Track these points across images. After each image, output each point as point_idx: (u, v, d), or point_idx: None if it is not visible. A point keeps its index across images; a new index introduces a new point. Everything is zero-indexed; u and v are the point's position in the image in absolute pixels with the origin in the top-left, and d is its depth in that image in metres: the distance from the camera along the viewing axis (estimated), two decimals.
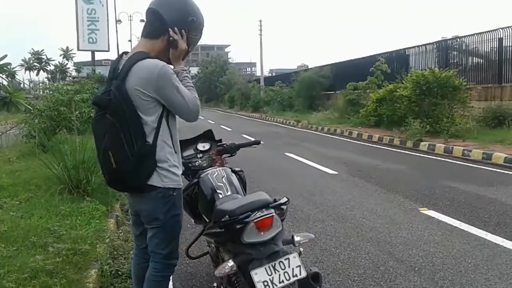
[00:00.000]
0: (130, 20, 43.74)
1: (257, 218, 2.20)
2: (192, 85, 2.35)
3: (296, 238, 2.36)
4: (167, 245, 2.37)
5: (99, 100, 2.27)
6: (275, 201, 2.36)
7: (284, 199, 2.38)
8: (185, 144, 3.21)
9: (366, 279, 3.64)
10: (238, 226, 2.21)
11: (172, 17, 2.28)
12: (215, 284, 2.61)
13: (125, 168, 2.18)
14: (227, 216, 2.26)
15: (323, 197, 6.43)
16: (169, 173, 2.27)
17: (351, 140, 14.73)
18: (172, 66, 2.33)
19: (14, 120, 10.42)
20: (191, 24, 2.33)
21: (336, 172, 8.40)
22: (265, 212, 2.24)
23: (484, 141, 11.04)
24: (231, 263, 2.20)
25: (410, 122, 12.67)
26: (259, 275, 2.12)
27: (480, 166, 9.01)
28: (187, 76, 2.37)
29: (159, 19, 2.28)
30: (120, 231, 4.64)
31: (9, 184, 5.76)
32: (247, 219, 2.20)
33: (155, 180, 2.24)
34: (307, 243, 2.31)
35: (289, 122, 22.71)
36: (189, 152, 3.22)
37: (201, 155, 3.22)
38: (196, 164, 3.12)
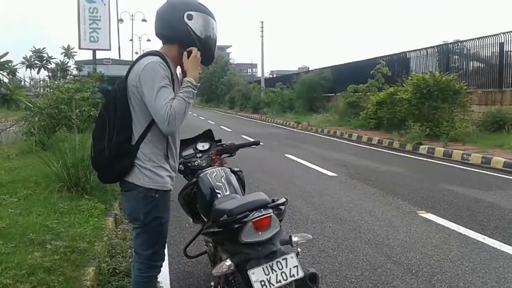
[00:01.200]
0: (132, 19, 43.83)
1: (255, 218, 2.20)
2: (186, 97, 2.19)
3: (294, 239, 2.37)
4: (150, 247, 2.37)
5: (101, 89, 2.32)
6: (273, 201, 2.36)
7: (283, 200, 2.38)
8: (185, 143, 3.22)
9: (364, 281, 3.64)
10: (236, 226, 2.21)
11: (166, 28, 2.31)
12: (212, 284, 2.61)
13: (100, 159, 2.27)
14: (225, 215, 2.26)
15: (322, 198, 6.44)
16: (152, 173, 2.26)
17: (351, 143, 14.74)
18: (179, 70, 2.34)
19: (14, 117, 10.43)
20: (193, 20, 2.31)
21: (335, 174, 8.40)
22: (263, 212, 2.24)
23: (483, 145, 11.05)
24: (228, 262, 2.20)
25: (410, 126, 12.69)
26: (256, 274, 2.12)
27: (479, 170, 9.02)
28: (189, 87, 2.23)
29: (159, 34, 2.33)
30: (118, 229, 4.64)
31: (8, 181, 5.76)
32: (245, 219, 2.20)
33: (135, 178, 2.25)
34: (305, 244, 2.31)
35: (289, 124, 22.72)
36: (189, 151, 3.22)
37: (200, 154, 3.23)
38: (195, 164, 3.12)
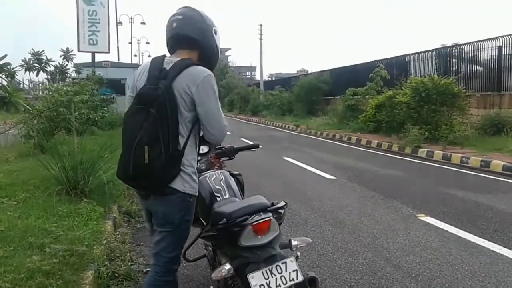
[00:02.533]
0: (131, 22, 43.91)
1: (254, 221, 2.19)
2: None
3: (293, 242, 2.36)
4: (174, 250, 2.36)
5: (146, 92, 2.24)
6: (272, 204, 2.36)
7: (282, 203, 2.37)
8: None
9: (363, 285, 3.63)
10: (235, 229, 2.20)
11: (198, 34, 2.36)
12: (211, 287, 2.60)
13: (156, 165, 2.16)
14: (224, 219, 2.25)
15: (321, 202, 6.43)
16: (191, 179, 2.28)
17: (350, 146, 14.75)
18: None
19: (13, 120, 10.41)
20: (216, 36, 2.44)
21: (335, 177, 8.40)
22: (263, 216, 2.24)
23: (482, 148, 11.06)
24: (228, 266, 2.18)
25: (409, 129, 12.69)
26: (256, 278, 2.11)
27: (478, 174, 9.02)
28: None
29: (187, 35, 2.36)
30: (117, 233, 4.63)
31: (7, 184, 5.75)
32: (244, 223, 2.20)
33: (177, 184, 2.24)
34: (304, 248, 2.31)
35: (288, 127, 22.73)
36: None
37: (199, 158, 3.22)
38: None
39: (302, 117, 24.16)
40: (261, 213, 2.25)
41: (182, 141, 2.25)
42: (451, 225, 5.27)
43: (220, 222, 2.25)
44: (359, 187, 7.55)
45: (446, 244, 4.61)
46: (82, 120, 10.58)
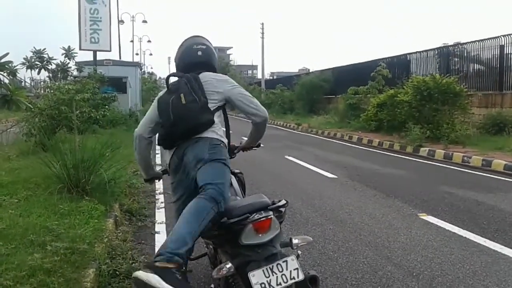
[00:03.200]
0: (133, 20, 43.90)
1: (255, 220, 2.19)
2: None
3: (294, 241, 2.36)
4: (219, 177, 2.44)
5: (173, 84, 2.70)
6: (273, 203, 2.36)
7: (283, 202, 2.38)
8: None
9: (364, 284, 3.63)
10: (236, 228, 2.20)
11: (215, 64, 3.04)
12: (212, 286, 2.60)
13: (192, 106, 2.54)
14: (225, 217, 2.25)
15: (322, 200, 6.43)
16: (220, 136, 2.65)
17: (351, 145, 14.74)
18: None
19: (14, 118, 10.43)
20: None
21: (336, 176, 8.40)
22: (264, 214, 2.23)
23: (484, 148, 11.05)
24: (229, 265, 2.18)
25: (411, 128, 12.68)
26: (256, 277, 2.11)
27: (479, 173, 9.02)
28: None
29: (211, 65, 2.95)
30: (119, 231, 4.64)
31: (8, 182, 5.75)
32: (245, 221, 2.20)
33: (208, 134, 2.57)
34: (306, 246, 2.30)
35: (290, 125, 22.72)
36: None
37: None
38: None
39: (304, 116, 24.15)
40: (262, 212, 2.25)
41: (212, 106, 2.64)
42: (452, 224, 5.27)
43: (221, 221, 2.25)
44: (360, 186, 7.54)
45: (447, 243, 4.61)
46: (83, 118, 10.60)
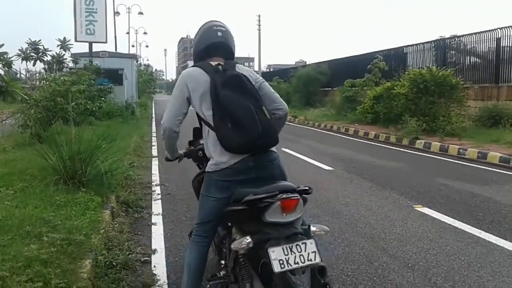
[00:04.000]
0: (128, 12, 43.71)
1: (284, 198, 2.24)
2: None
3: (312, 228, 2.38)
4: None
5: (236, 76, 2.62)
6: (298, 187, 2.41)
7: (308, 187, 2.42)
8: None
9: (360, 275, 3.66)
10: (263, 205, 2.25)
11: (233, 47, 2.90)
12: (222, 262, 2.74)
13: (273, 123, 2.62)
14: (251, 194, 2.29)
15: (319, 192, 6.44)
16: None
17: (348, 137, 14.76)
18: None
19: (10, 110, 10.38)
20: None
21: (332, 168, 8.41)
22: (291, 195, 2.28)
23: (479, 140, 11.09)
24: (249, 239, 2.23)
25: (407, 120, 12.71)
26: (276, 253, 2.14)
27: (475, 165, 9.06)
28: None
29: (230, 47, 2.85)
30: (115, 222, 4.64)
31: (4, 173, 5.74)
32: (273, 198, 2.24)
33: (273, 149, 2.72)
34: (322, 235, 2.35)
35: None
36: None
37: None
38: None
39: (300, 108, 24.11)
40: (289, 193, 2.29)
41: None
42: (448, 216, 5.30)
43: (248, 197, 2.28)
44: (356, 178, 7.57)
45: (443, 235, 4.64)
46: (79, 110, 10.57)
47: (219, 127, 2.51)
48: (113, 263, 3.56)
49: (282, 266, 2.11)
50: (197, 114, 2.67)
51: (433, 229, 4.82)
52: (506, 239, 4.48)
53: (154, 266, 3.73)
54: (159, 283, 3.42)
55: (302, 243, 2.21)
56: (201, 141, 3.15)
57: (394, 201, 6.01)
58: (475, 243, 4.40)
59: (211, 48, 2.77)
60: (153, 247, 4.15)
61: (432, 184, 7.06)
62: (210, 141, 2.61)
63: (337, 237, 4.54)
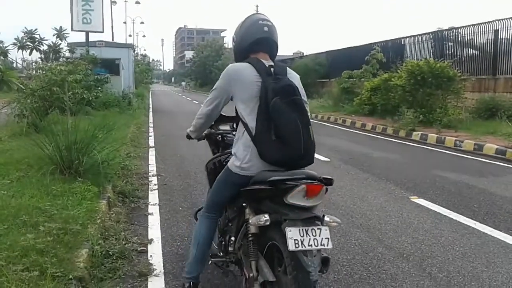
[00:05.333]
0: (125, 1, 43.40)
1: (309, 182, 2.31)
2: None
3: (326, 218, 2.42)
4: None
5: (288, 84, 2.54)
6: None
7: (331, 178, 2.48)
8: (224, 120, 3.38)
9: (355, 265, 3.68)
10: (288, 186, 2.31)
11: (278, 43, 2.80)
12: (232, 238, 2.83)
13: (314, 146, 2.59)
14: (276, 176, 2.36)
15: None
16: None
17: (345, 128, 14.77)
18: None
19: (6, 99, 10.32)
20: None
21: (329, 159, 8.43)
22: (316, 181, 2.35)
23: (476, 132, 11.12)
24: (266, 216, 2.32)
25: (404, 112, 12.72)
26: (292, 232, 2.20)
27: (471, 157, 9.09)
28: None
29: (276, 43, 2.77)
30: (112, 212, 4.64)
31: (0, 163, 5.73)
32: (300, 181, 2.31)
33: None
34: (334, 226, 2.41)
35: None
36: (226, 127, 3.40)
37: (235, 132, 3.33)
38: (229, 139, 3.25)
39: None
40: (314, 180, 2.36)
41: None
42: (443, 207, 5.33)
43: (273, 178, 2.36)
44: (353, 169, 7.59)
45: (438, 226, 4.67)
46: (76, 99, 10.51)
47: (261, 136, 2.48)
48: (110, 252, 3.57)
49: (297, 245, 2.18)
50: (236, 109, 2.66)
51: (428, 220, 4.85)
52: (500, 230, 4.51)
53: (151, 255, 3.75)
54: (155, 272, 3.43)
55: (318, 228, 2.28)
56: (221, 127, 3.37)
57: (390, 192, 6.04)
58: (470, 234, 4.43)
59: (257, 43, 2.69)
60: (149, 237, 4.16)
61: (428, 176, 7.09)
62: (242, 142, 2.58)
63: (332, 228, 4.55)
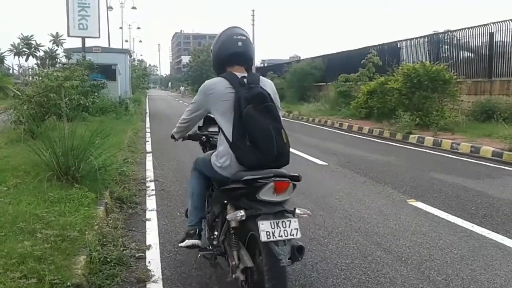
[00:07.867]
0: (122, 7, 43.43)
1: (277, 180, 2.56)
2: None
3: (297, 211, 2.64)
4: None
5: (260, 92, 2.75)
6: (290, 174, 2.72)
7: (298, 174, 2.73)
8: (214, 121, 3.41)
9: (354, 269, 3.67)
10: (259, 184, 2.55)
11: (253, 55, 3.05)
12: (216, 233, 3.11)
13: (288, 147, 2.81)
14: (248, 176, 2.60)
15: (313, 187, 6.46)
16: None
17: (342, 132, 14.79)
18: None
19: (2, 106, 10.31)
20: None
21: (326, 163, 8.43)
22: (283, 178, 2.60)
23: (472, 134, 11.16)
24: (242, 213, 2.57)
25: (400, 115, 12.75)
26: (264, 225, 2.45)
27: (468, 159, 9.12)
28: None
29: (251, 56, 2.99)
30: (109, 218, 4.62)
31: None
32: (269, 179, 2.55)
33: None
34: (305, 218, 2.71)
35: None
36: (215, 129, 3.48)
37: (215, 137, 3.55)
38: (215, 139, 3.37)
39: (294, 103, 24.11)
40: (282, 178, 2.62)
41: None
42: (441, 210, 5.33)
43: (246, 177, 2.59)
44: (350, 173, 7.59)
45: (436, 229, 4.67)
46: (72, 105, 10.50)
47: (237, 143, 2.70)
48: (108, 259, 3.56)
49: (268, 237, 2.43)
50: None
51: (426, 223, 4.85)
52: (498, 233, 4.52)
53: (149, 261, 3.73)
54: (153, 278, 3.41)
55: (287, 220, 2.52)
56: (210, 128, 3.58)
57: (388, 196, 6.04)
58: (468, 236, 4.44)
59: (231, 57, 2.90)
60: (147, 243, 4.15)
61: (426, 179, 7.10)
62: (222, 148, 2.82)
63: (331, 232, 4.56)
